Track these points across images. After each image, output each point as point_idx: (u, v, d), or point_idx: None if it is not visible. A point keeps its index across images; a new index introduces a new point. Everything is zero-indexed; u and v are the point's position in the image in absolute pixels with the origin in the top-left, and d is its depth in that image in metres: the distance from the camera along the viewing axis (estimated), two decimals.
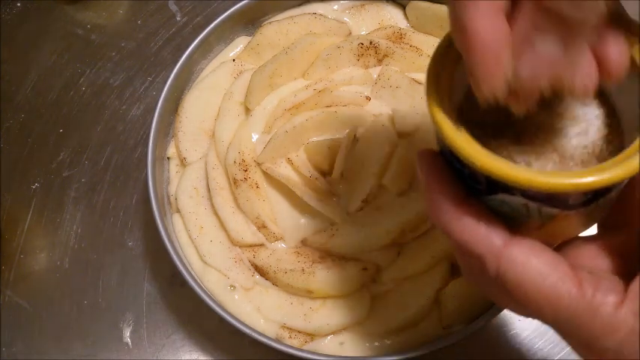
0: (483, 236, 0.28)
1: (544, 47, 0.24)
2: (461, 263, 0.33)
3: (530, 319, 0.56)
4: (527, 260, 0.27)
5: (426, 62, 0.56)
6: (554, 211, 0.28)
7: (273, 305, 0.50)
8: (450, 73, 0.29)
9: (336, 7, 0.62)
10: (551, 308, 0.27)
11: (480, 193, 0.29)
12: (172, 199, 0.55)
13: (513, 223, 0.29)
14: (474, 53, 0.24)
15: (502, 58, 0.24)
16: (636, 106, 0.28)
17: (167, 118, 0.56)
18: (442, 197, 0.29)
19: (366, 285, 0.50)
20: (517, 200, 0.28)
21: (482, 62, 0.24)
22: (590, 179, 0.25)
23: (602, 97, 0.31)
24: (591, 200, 0.28)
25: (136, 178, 0.62)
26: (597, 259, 0.31)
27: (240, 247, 0.52)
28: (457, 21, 0.24)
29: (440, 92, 0.28)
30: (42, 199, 0.61)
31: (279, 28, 0.58)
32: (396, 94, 0.54)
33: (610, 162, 0.26)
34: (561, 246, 0.32)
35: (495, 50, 0.24)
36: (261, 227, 0.52)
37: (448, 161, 0.30)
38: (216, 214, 0.53)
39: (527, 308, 0.28)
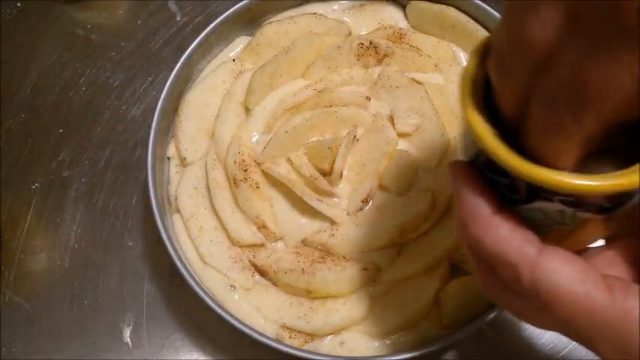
0: (518, 246, 0.28)
1: None
2: (482, 275, 0.33)
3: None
4: (561, 268, 0.27)
5: (426, 62, 0.57)
6: (587, 215, 0.28)
7: (272, 305, 0.50)
8: (483, 76, 0.29)
9: (336, 7, 0.62)
10: (584, 315, 0.27)
11: (514, 202, 0.29)
12: (172, 199, 0.55)
13: (545, 230, 0.29)
14: None
15: None
16: None
17: (167, 118, 0.56)
18: (477, 207, 0.29)
19: (366, 285, 0.50)
20: (554, 207, 0.28)
21: None
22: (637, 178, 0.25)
23: None
24: (620, 204, 0.28)
25: (136, 178, 0.62)
26: (612, 268, 0.31)
27: (240, 247, 0.52)
28: None
29: (475, 97, 0.28)
30: (42, 199, 0.61)
31: (279, 28, 0.58)
32: (396, 94, 0.54)
33: None
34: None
35: None
36: (261, 227, 0.52)
37: (480, 171, 0.30)
38: (216, 214, 0.53)
39: (558, 317, 0.28)
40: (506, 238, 0.28)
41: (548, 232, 0.30)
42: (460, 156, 0.32)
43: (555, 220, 0.29)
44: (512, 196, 0.28)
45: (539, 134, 0.26)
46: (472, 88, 0.29)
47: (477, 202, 0.29)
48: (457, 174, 0.30)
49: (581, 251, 0.32)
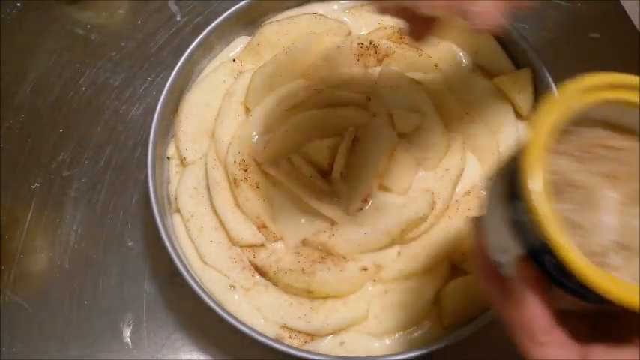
0: None
1: None
2: None
3: None
4: None
5: (425, 62, 0.56)
6: None
7: (273, 305, 0.50)
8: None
9: (336, 7, 0.62)
10: None
11: (596, 302, 0.29)
12: (172, 199, 0.55)
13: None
14: None
15: None
16: None
17: (167, 118, 0.56)
18: (536, 321, 0.30)
19: (366, 285, 0.50)
20: None
21: None
22: None
23: None
24: None
25: (136, 178, 0.62)
26: None
27: (240, 247, 0.52)
28: None
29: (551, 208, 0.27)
30: (42, 199, 0.61)
31: (279, 28, 0.58)
32: (396, 94, 0.54)
33: None
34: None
35: None
36: (261, 227, 0.52)
37: (549, 273, 0.29)
38: (216, 214, 0.53)
39: None
40: (552, 357, 0.29)
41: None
42: (500, 243, 0.32)
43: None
44: (595, 300, 0.28)
45: None
46: (546, 197, 0.28)
47: (537, 316, 0.29)
48: (528, 279, 0.30)
49: None
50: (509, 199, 0.30)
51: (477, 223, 0.35)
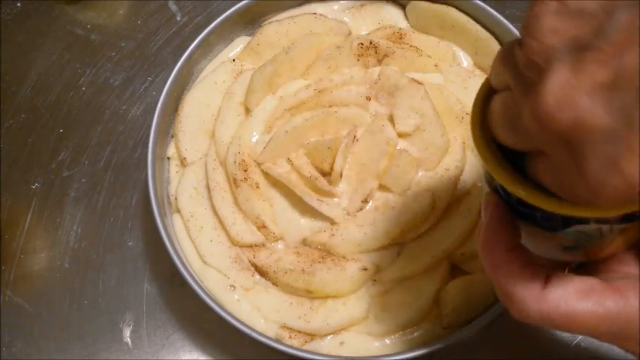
0: (524, 283, 0.30)
1: None
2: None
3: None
4: (565, 293, 0.29)
5: (425, 62, 0.57)
6: (623, 225, 0.30)
7: (273, 305, 0.50)
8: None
9: (336, 7, 0.62)
10: (604, 325, 0.29)
11: (553, 229, 0.31)
12: (172, 199, 0.55)
13: (588, 245, 0.32)
14: None
15: None
16: None
17: (167, 118, 0.56)
18: (496, 241, 0.31)
19: (366, 285, 0.50)
20: (592, 227, 0.30)
21: None
22: None
23: None
24: None
25: (136, 178, 0.62)
26: (626, 267, 0.33)
27: (240, 247, 0.52)
28: None
29: (488, 140, 0.30)
30: (42, 199, 0.61)
31: (279, 28, 0.58)
32: (396, 94, 0.54)
33: None
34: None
35: None
36: (261, 227, 0.52)
37: (510, 205, 0.32)
38: (216, 214, 0.53)
39: (582, 333, 0.30)
40: (515, 274, 0.31)
41: (591, 246, 0.32)
42: (484, 183, 0.34)
43: (595, 237, 0.31)
44: (550, 225, 0.30)
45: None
46: (482, 129, 0.30)
47: (497, 237, 0.31)
48: (487, 207, 0.32)
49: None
50: None
51: None
